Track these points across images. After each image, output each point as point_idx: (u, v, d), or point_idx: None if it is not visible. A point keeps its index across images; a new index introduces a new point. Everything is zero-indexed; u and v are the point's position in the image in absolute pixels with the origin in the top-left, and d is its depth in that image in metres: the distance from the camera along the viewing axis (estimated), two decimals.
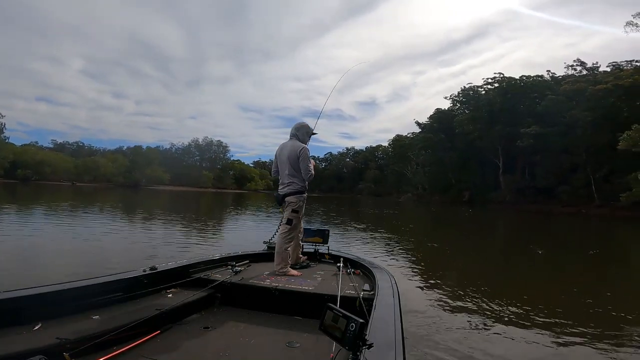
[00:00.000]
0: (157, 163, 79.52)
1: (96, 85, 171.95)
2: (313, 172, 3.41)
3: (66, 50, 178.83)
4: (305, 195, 3.45)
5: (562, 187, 38.76)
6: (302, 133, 3.54)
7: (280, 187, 3.46)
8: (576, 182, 37.91)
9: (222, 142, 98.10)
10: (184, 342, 2.03)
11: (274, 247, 3.38)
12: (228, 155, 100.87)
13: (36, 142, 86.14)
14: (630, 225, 22.38)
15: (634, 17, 34.78)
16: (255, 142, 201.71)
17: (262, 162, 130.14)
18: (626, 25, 35.61)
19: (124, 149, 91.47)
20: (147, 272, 2.56)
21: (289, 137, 3.56)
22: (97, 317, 2.04)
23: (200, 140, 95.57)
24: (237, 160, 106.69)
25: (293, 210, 3.37)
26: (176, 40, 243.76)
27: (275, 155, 3.56)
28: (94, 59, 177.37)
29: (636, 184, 26.61)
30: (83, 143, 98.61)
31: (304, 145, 3.45)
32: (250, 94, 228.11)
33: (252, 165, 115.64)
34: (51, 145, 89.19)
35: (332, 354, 1.60)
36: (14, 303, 1.85)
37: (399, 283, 2.67)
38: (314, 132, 3.66)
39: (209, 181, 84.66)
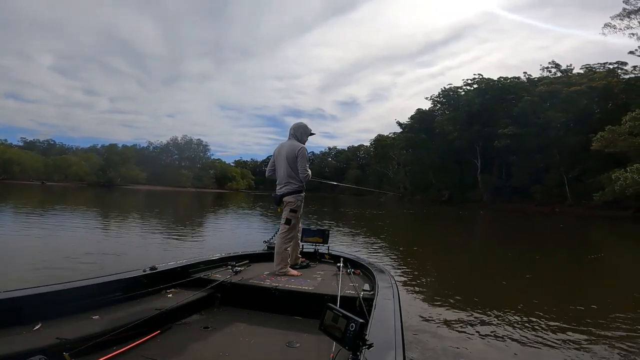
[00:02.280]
0: (134, 162, 77.57)
1: (67, 81, 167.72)
2: (309, 172, 3.45)
3: (35, 45, 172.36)
4: (303, 194, 3.47)
5: (536, 187, 39.99)
6: (301, 133, 3.57)
7: (277, 187, 3.48)
8: (550, 182, 39.20)
9: (202, 141, 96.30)
10: (184, 342, 2.02)
11: (274, 247, 3.39)
12: (208, 154, 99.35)
13: (5, 140, 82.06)
14: (607, 224, 23.14)
15: (612, 19, 34.84)
16: (235, 141, 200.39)
17: (243, 161, 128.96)
18: (604, 27, 35.60)
19: (98, 147, 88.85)
20: (147, 272, 2.56)
21: (287, 137, 3.59)
22: (97, 317, 2.03)
23: (179, 138, 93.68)
24: (217, 160, 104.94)
25: (291, 210, 3.39)
26: (152, 37, 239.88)
27: (274, 155, 3.58)
28: (64, 54, 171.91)
29: (609, 183, 27.36)
30: (54, 141, 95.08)
31: (302, 145, 3.49)
32: (230, 92, 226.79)
33: (232, 165, 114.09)
34: (21, 144, 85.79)
35: (332, 354, 1.60)
36: (14, 303, 1.84)
37: (398, 283, 2.68)
38: (312, 132, 3.70)
39: (187, 180, 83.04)
